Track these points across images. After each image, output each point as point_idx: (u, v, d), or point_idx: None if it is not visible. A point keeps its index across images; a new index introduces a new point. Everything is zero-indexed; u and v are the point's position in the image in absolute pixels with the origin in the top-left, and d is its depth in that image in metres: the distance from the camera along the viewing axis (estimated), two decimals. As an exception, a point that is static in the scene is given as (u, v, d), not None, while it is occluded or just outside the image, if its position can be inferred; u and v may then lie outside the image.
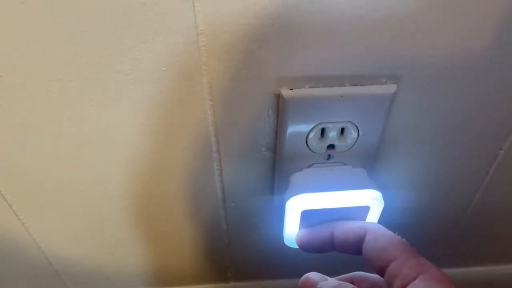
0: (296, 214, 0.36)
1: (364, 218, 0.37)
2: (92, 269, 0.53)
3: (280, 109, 0.34)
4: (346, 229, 0.33)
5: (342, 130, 0.36)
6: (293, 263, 0.48)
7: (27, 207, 0.43)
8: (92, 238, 0.48)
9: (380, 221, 0.38)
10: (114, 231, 0.47)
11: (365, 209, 0.36)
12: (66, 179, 0.40)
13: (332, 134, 0.36)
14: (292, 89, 0.33)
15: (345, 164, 0.39)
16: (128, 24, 0.29)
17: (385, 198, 0.36)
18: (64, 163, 0.39)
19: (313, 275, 0.33)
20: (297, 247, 0.39)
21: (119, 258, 0.52)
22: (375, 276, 0.33)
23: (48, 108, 0.34)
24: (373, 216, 0.37)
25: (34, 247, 0.48)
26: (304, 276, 0.33)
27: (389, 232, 0.31)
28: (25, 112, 0.34)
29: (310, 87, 0.33)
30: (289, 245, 0.40)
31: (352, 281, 0.33)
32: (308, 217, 0.37)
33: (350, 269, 0.35)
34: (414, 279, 0.26)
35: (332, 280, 0.32)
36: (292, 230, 0.38)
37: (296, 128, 0.35)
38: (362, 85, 0.33)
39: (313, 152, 0.37)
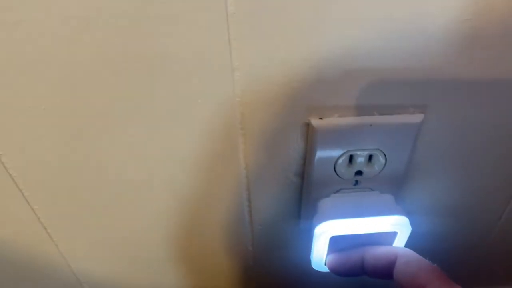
0: (325, 240, 0.37)
1: (391, 244, 0.37)
2: (120, 289, 0.54)
3: (309, 137, 0.35)
4: (377, 254, 0.34)
5: (370, 157, 0.37)
6: (318, 287, 0.49)
7: (62, 229, 0.44)
8: (124, 258, 0.49)
9: (406, 246, 0.38)
10: (147, 253, 0.48)
11: (393, 235, 0.37)
12: (100, 201, 0.42)
13: (360, 161, 0.37)
14: (321, 118, 0.34)
15: (372, 190, 0.39)
16: (167, 60, 0.30)
17: (412, 223, 0.36)
18: (99, 186, 0.40)
19: None
20: (324, 270, 0.39)
21: (152, 279, 0.53)
22: None
23: (87, 144, 0.35)
24: (400, 241, 0.37)
25: (66, 269, 0.49)
26: None
27: (420, 258, 0.31)
28: (72, 144, 0.36)
29: (339, 116, 0.34)
30: (316, 269, 0.40)
31: None
32: (336, 242, 0.37)
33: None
34: None
35: None
36: (320, 254, 0.38)
37: (325, 155, 0.36)
38: (390, 114, 0.34)
39: (341, 178, 0.38)
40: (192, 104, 0.33)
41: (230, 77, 0.31)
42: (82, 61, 0.30)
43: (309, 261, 0.39)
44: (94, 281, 0.51)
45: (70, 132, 0.35)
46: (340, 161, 0.37)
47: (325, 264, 0.38)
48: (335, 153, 0.36)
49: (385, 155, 0.36)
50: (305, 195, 0.41)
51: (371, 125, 0.34)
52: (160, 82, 0.31)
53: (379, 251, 0.34)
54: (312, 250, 0.38)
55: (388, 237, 0.37)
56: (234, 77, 0.31)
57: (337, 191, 0.39)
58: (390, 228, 0.36)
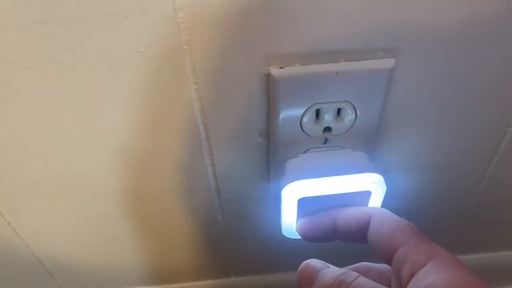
0: (293, 202, 0.34)
1: (365, 204, 0.35)
2: (86, 268, 0.51)
3: (271, 90, 0.32)
4: (349, 215, 0.31)
5: (339, 111, 0.34)
6: (294, 255, 0.46)
7: (13, 205, 0.41)
8: (85, 236, 0.46)
9: (382, 207, 0.36)
10: (108, 228, 0.45)
11: (367, 194, 0.34)
12: (51, 175, 0.38)
13: (328, 116, 0.34)
14: (282, 68, 0.31)
15: (344, 148, 0.36)
16: (101, 1, 0.26)
17: (387, 182, 0.33)
18: (46, 158, 0.37)
19: (313, 262, 0.30)
20: (295, 237, 0.37)
21: (115, 257, 0.50)
22: (382, 265, 0.31)
23: (23, 99, 0.32)
24: (375, 202, 0.35)
25: (23, 248, 0.46)
26: (304, 263, 0.31)
27: (395, 217, 0.29)
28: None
29: (302, 64, 0.31)
30: (287, 236, 0.38)
31: (357, 272, 0.30)
32: (305, 205, 0.34)
33: (354, 261, 0.33)
34: (424, 264, 0.24)
35: (335, 268, 0.30)
36: (289, 219, 0.36)
37: (289, 111, 0.33)
38: (358, 61, 0.31)
39: (309, 136, 0.35)
40: (133, 54, 0.29)
41: (174, 19, 0.27)
42: (8, 8, 0.26)
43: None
44: (55, 261, 0.48)
45: (1, 91, 0.31)
46: (306, 116, 0.34)
47: (296, 230, 0.36)
48: (300, 107, 0.33)
49: (354, 107, 0.33)
50: (272, 157, 0.38)
51: (336, 73, 0.31)
52: (98, 25, 0.28)
53: (352, 212, 0.31)
54: (281, 215, 0.36)
55: (362, 198, 0.35)
56: (178, 19, 0.27)
57: (305, 151, 0.36)
58: (363, 187, 0.34)
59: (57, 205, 0.42)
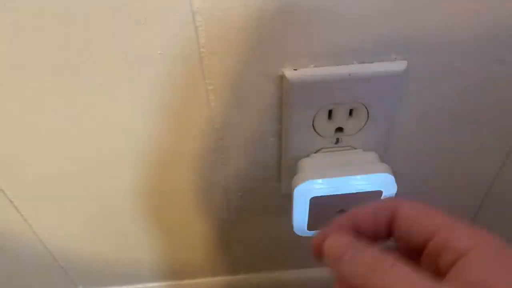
0: (305, 201, 0.35)
1: (376, 204, 0.35)
2: (99, 264, 0.52)
3: (284, 91, 0.33)
4: (372, 211, 0.25)
5: (351, 111, 0.34)
6: (305, 252, 0.47)
7: (29, 202, 0.42)
8: (98, 233, 0.47)
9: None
10: (122, 225, 0.46)
11: (378, 194, 0.35)
12: (68, 173, 0.39)
13: (340, 116, 0.34)
14: (295, 69, 0.31)
15: (355, 148, 0.37)
16: (120, 3, 0.27)
17: (400, 184, 0.34)
18: (63, 156, 0.37)
19: (344, 235, 0.24)
20: (307, 235, 0.38)
21: (128, 253, 0.51)
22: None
23: (43, 98, 0.32)
24: (386, 201, 0.35)
25: (38, 244, 0.47)
26: (332, 235, 0.24)
27: (423, 204, 0.24)
28: (20, 104, 0.33)
29: (315, 66, 0.31)
30: (298, 234, 0.38)
31: None
32: (317, 204, 0.35)
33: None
34: (468, 250, 0.20)
35: (368, 246, 0.23)
36: (301, 218, 0.36)
37: (302, 111, 0.34)
38: (371, 63, 0.31)
39: (321, 136, 0.36)
40: (151, 56, 0.30)
41: (191, 22, 0.28)
42: (29, 11, 0.27)
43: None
44: (69, 257, 0.49)
45: (24, 90, 0.32)
46: (318, 117, 0.34)
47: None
48: (312, 107, 0.33)
49: (366, 108, 0.34)
50: (284, 157, 0.38)
51: (349, 74, 0.31)
52: (117, 27, 0.28)
53: (375, 207, 0.25)
54: (292, 214, 0.36)
55: (373, 197, 0.35)
56: (195, 22, 0.28)
57: (317, 151, 0.37)
58: (375, 187, 0.34)
59: (72, 202, 0.43)
